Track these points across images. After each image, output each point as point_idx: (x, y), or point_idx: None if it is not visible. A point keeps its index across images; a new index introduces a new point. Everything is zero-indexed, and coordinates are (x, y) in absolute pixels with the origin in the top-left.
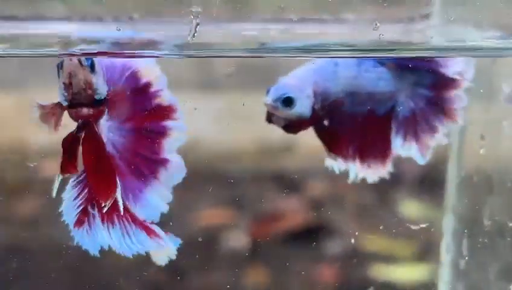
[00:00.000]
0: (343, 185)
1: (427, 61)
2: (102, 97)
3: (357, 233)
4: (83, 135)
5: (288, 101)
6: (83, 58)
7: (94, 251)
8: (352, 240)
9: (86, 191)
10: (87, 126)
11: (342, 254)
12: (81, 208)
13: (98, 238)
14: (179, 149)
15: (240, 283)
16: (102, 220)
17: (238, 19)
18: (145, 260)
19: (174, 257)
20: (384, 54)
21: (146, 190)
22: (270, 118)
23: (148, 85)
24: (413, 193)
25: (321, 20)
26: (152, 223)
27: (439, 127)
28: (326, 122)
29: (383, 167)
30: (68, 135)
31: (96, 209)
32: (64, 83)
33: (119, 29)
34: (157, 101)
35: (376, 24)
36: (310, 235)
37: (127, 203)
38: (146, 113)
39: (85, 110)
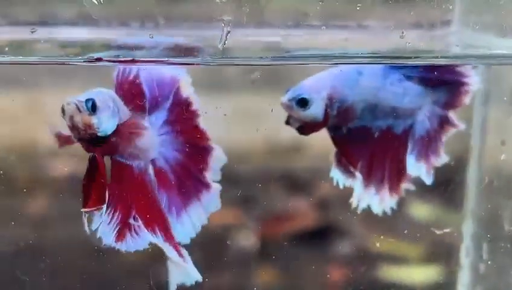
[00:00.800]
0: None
1: (450, 72)
2: (108, 133)
3: (366, 234)
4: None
5: (303, 102)
6: (80, 103)
7: (144, 247)
8: (362, 241)
9: (117, 213)
10: (94, 161)
11: (351, 255)
12: (119, 227)
13: (145, 238)
14: None
15: (249, 283)
16: (147, 227)
17: (261, 25)
18: (153, 258)
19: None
20: (407, 61)
21: (189, 209)
22: (288, 120)
23: (188, 101)
24: (431, 196)
25: (344, 26)
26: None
27: (443, 146)
28: (344, 130)
29: (395, 191)
30: (84, 175)
31: (138, 220)
32: (68, 126)
33: (152, 36)
34: (197, 120)
35: (403, 32)
36: (319, 235)
37: (169, 217)
38: (193, 130)
39: (91, 147)
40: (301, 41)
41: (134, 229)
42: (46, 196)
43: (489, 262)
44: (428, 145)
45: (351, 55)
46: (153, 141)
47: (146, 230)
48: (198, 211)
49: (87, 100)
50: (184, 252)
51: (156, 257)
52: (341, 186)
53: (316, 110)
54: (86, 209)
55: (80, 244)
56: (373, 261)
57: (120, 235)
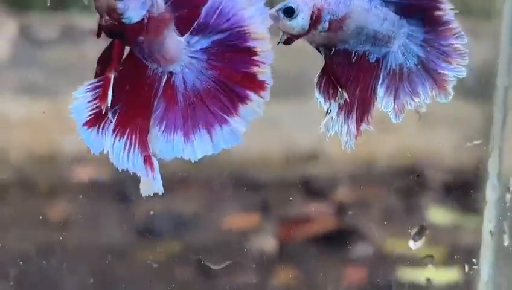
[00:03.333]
0: (370, 190)
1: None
2: (133, 21)
3: (384, 237)
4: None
5: (289, 11)
6: None
7: (95, 151)
8: (381, 243)
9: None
10: (111, 47)
11: (369, 257)
12: (95, 111)
13: (103, 142)
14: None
15: (268, 284)
16: (114, 130)
17: None
18: (175, 261)
19: (160, 193)
20: None
21: (187, 132)
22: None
23: (252, 50)
24: (447, 199)
25: None
26: (154, 156)
27: (421, 93)
28: (332, 50)
29: (360, 122)
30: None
31: (115, 117)
32: (96, 8)
33: None
34: (254, 70)
35: None
36: (337, 238)
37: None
38: (236, 73)
39: (113, 35)
40: None
41: (105, 125)
42: (68, 200)
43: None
44: (399, 81)
45: None
46: (180, 54)
47: (112, 132)
48: (200, 140)
49: None
50: (155, 163)
51: (176, 265)
52: (324, 108)
53: (303, 20)
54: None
55: (100, 248)
56: (391, 264)
57: (90, 122)
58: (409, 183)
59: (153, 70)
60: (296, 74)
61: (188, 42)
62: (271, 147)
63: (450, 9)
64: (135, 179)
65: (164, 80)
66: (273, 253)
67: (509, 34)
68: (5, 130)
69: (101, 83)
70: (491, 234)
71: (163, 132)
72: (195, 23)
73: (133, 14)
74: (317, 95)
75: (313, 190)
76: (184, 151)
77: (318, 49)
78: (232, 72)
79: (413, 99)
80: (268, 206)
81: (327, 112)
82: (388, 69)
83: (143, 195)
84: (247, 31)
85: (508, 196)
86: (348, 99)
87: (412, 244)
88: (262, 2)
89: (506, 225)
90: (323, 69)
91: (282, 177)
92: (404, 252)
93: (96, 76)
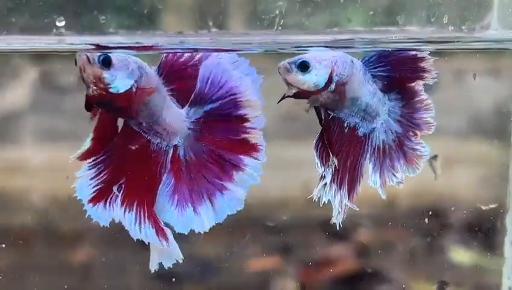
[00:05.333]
0: (391, 231)
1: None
2: (120, 91)
3: (406, 279)
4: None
5: (303, 66)
6: (92, 55)
7: (104, 223)
8: (402, 286)
9: (105, 173)
10: (102, 117)
11: None
12: (99, 187)
13: (113, 214)
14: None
15: None
16: (122, 203)
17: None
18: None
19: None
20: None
21: (196, 205)
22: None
23: (243, 118)
24: (468, 240)
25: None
26: (167, 226)
27: (398, 168)
28: (331, 115)
29: (351, 197)
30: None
31: (121, 192)
32: (80, 77)
33: None
34: (244, 136)
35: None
36: (358, 281)
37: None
38: (226, 141)
39: (101, 106)
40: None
41: (111, 199)
42: (89, 245)
43: None
44: (383, 158)
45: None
46: (182, 127)
47: (120, 205)
48: (206, 211)
49: (101, 54)
50: (168, 232)
51: None
52: (319, 171)
53: (315, 77)
54: (74, 156)
55: None
56: None
57: (96, 198)
58: (430, 224)
59: (157, 144)
60: (312, 116)
61: (187, 114)
62: (291, 188)
63: (432, 78)
64: None
65: (171, 154)
66: None
67: None
68: (26, 176)
69: (101, 157)
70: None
71: (176, 206)
72: (193, 94)
73: (120, 83)
74: (315, 158)
75: (333, 231)
76: (194, 223)
77: (317, 112)
78: (222, 141)
79: (394, 175)
80: (289, 248)
81: (321, 177)
82: (374, 145)
83: (152, 270)
84: (239, 99)
85: None
86: (338, 168)
87: None
88: (247, 62)
89: None
90: (320, 133)
91: (302, 219)
92: None
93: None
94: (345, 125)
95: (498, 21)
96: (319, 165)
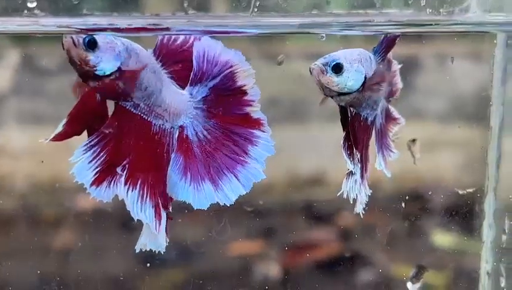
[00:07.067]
0: (373, 214)
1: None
2: (107, 72)
3: (389, 262)
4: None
5: (337, 67)
6: (76, 36)
7: (107, 200)
8: (385, 269)
9: (103, 154)
10: (84, 97)
11: (374, 283)
12: (100, 169)
13: (116, 191)
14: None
15: None
16: (126, 182)
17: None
18: (179, 289)
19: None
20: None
21: (206, 182)
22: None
23: (242, 90)
24: (447, 223)
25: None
26: (169, 212)
27: (391, 144)
28: (353, 112)
29: (368, 181)
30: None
31: (125, 172)
32: (68, 60)
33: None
34: (248, 109)
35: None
36: (341, 264)
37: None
38: (234, 117)
39: (91, 83)
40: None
41: (114, 177)
42: (72, 230)
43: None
44: (382, 138)
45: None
46: (185, 107)
47: (124, 184)
48: (230, 184)
49: (86, 36)
50: (163, 218)
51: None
52: (352, 169)
53: (347, 79)
54: (47, 139)
55: (104, 276)
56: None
57: (98, 180)
58: (412, 208)
59: (159, 126)
60: (296, 100)
61: (191, 94)
62: (274, 172)
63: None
64: None
65: (177, 135)
66: (278, 279)
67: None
68: (9, 160)
69: (95, 139)
70: (488, 274)
71: (190, 183)
72: (192, 73)
73: (107, 65)
74: (345, 156)
75: (316, 215)
76: (217, 197)
77: (343, 111)
78: (231, 116)
79: (392, 151)
80: (272, 232)
81: (350, 173)
82: (377, 130)
83: (137, 250)
84: (236, 70)
85: (503, 237)
86: (360, 163)
87: (409, 286)
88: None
89: (502, 266)
90: (346, 132)
91: (285, 202)
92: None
93: (65, 131)
94: (361, 118)
95: (477, 4)
96: (349, 163)
